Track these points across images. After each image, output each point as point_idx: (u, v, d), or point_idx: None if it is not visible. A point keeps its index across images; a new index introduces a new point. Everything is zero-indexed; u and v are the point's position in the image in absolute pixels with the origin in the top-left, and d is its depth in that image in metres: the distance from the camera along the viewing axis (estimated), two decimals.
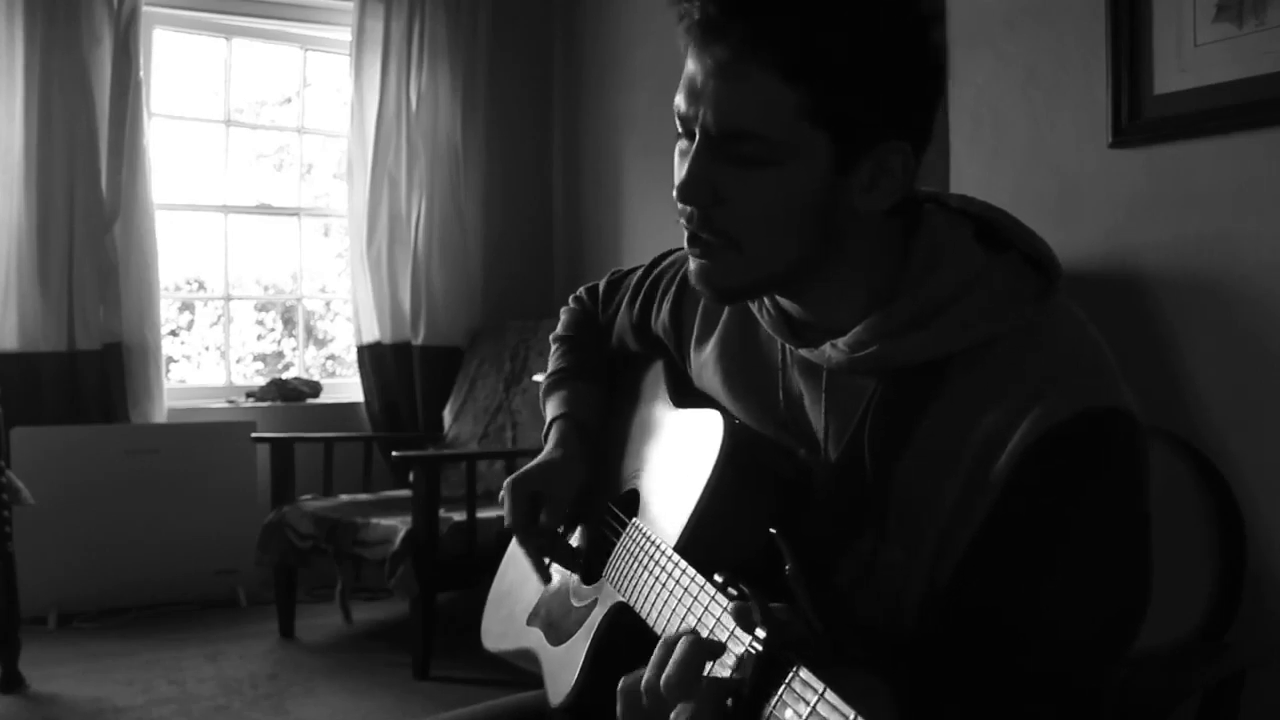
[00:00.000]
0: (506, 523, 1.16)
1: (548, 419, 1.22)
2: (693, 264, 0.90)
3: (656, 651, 0.73)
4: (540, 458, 1.18)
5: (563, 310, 1.35)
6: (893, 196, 0.85)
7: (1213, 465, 1.32)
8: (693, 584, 0.84)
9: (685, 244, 0.90)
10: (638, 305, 1.20)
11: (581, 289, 1.34)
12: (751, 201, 0.83)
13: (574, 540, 1.17)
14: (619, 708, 0.75)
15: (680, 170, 0.86)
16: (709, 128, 0.83)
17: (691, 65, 0.84)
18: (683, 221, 0.88)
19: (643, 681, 0.73)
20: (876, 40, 0.81)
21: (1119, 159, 2.28)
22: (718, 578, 0.78)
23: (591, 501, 1.16)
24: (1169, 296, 2.20)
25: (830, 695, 0.61)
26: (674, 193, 0.86)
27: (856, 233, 0.87)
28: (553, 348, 1.31)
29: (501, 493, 1.15)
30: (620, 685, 0.76)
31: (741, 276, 0.88)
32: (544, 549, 1.15)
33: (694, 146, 0.84)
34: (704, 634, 0.75)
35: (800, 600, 0.68)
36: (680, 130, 0.87)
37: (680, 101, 0.85)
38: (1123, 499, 0.82)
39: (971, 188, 2.53)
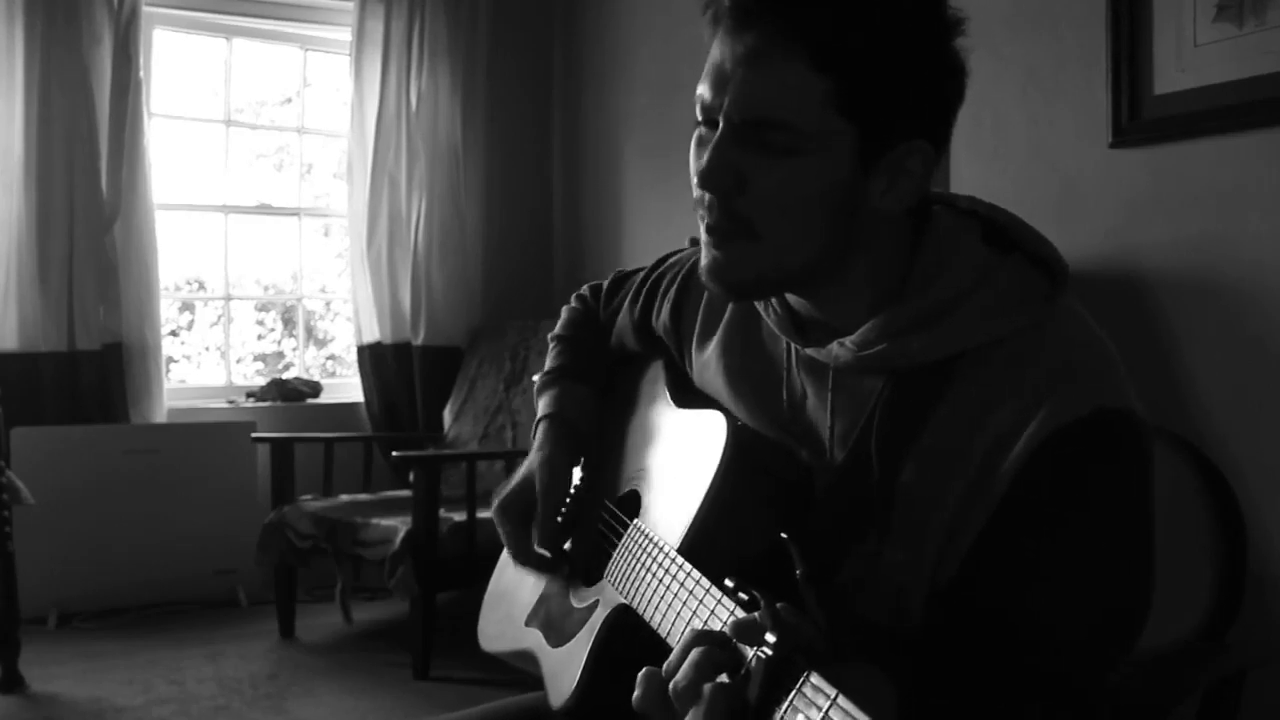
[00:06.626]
0: (508, 548, 1.16)
1: (537, 417, 1.22)
2: (706, 258, 0.89)
3: (679, 645, 0.73)
4: (522, 472, 1.17)
5: (564, 309, 1.34)
6: (911, 198, 0.86)
7: (1213, 465, 1.32)
8: (697, 586, 0.84)
9: (702, 235, 0.89)
10: (639, 304, 1.20)
11: (585, 287, 1.33)
12: (775, 189, 0.83)
13: (569, 545, 1.16)
14: (637, 692, 0.75)
15: (701, 158, 0.85)
16: (735, 115, 0.83)
17: (718, 52, 0.83)
18: (701, 211, 0.87)
19: (663, 670, 0.73)
20: (903, 37, 0.81)
21: (1119, 159, 2.28)
22: (728, 582, 0.78)
23: (586, 501, 1.16)
24: (1169, 296, 2.20)
25: (843, 701, 0.61)
26: (694, 179, 0.85)
27: (873, 233, 0.87)
28: (550, 346, 1.30)
29: (494, 517, 1.16)
30: (643, 672, 0.75)
31: (756, 268, 0.86)
32: (545, 566, 1.15)
33: (718, 133, 0.84)
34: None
35: (810, 605, 0.68)
36: (701, 118, 0.86)
37: (704, 90, 0.85)
38: (1129, 500, 0.82)
39: (971, 188, 2.52)
